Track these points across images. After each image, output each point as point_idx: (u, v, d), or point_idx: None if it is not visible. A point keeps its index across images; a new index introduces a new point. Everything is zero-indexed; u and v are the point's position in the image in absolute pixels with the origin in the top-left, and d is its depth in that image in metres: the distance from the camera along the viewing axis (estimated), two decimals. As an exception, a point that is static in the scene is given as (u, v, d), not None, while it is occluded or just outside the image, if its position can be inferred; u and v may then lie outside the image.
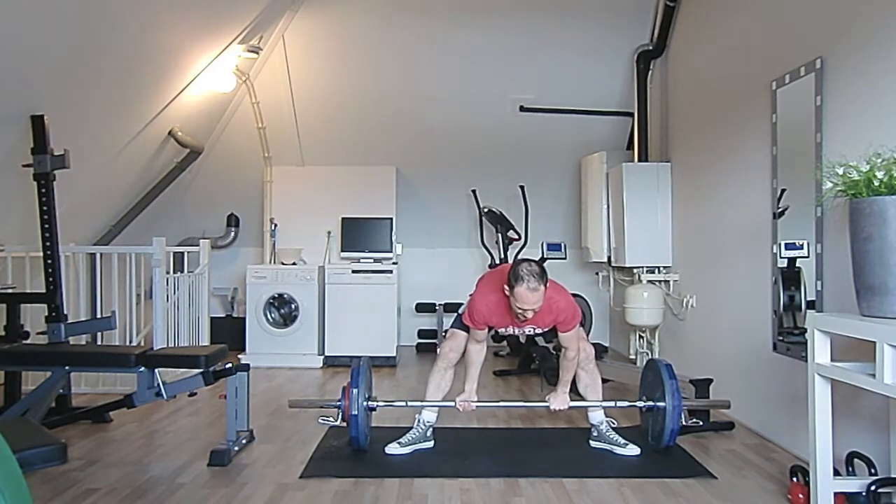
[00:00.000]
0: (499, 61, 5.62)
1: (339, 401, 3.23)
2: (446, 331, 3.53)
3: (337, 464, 3.14)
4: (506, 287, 2.97)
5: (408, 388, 4.93)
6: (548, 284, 2.97)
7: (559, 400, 3.28)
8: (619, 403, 3.46)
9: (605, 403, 3.42)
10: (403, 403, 3.60)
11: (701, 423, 3.53)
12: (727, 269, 4.11)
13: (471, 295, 3.28)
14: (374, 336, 5.80)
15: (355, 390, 3.19)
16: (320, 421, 3.31)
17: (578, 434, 3.55)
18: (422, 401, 3.40)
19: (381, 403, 3.39)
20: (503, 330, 3.29)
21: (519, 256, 5.62)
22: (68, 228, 4.43)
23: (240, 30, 4.91)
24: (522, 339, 3.37)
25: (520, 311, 2.97)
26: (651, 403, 3.31)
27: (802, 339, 2.87)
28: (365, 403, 3.22)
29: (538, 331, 3.26)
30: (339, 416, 3.21)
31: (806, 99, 3.14)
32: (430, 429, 3.39)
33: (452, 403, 3.30)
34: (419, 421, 3.39)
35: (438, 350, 3.48)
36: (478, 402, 3.33)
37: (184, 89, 4.98)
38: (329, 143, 6.28)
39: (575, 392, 3.41)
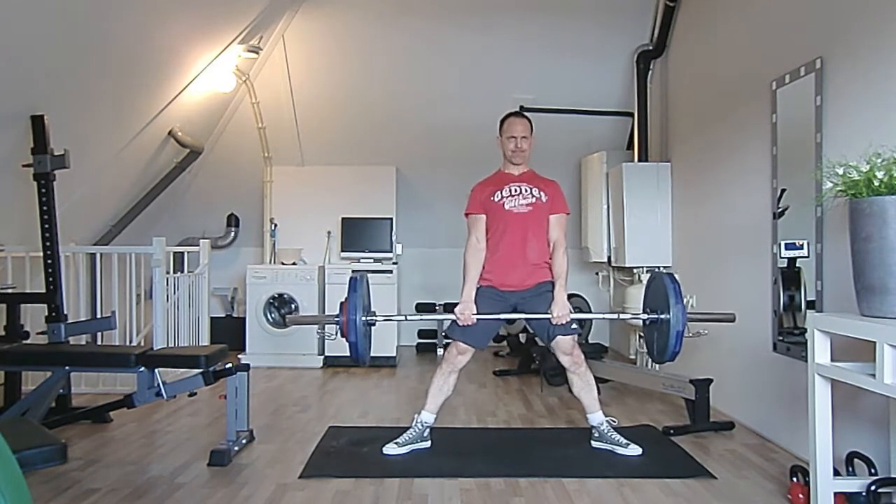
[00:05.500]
0: (499, 61, 5.62)
1: (338, 316, 3.12)
2: (445, 332, 3.53)
3: (337, 464, 3.14)
4: (497, 138, 3.39)
5: (408, 387, 4.94)
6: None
7: (559, 305, 3.18)
8: (623, 315, 3.34)
9: (608, 315, 3.30)
10: (403, 317, 3.66)
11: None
12: (727, 269, 4.11)
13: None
14: (374, 336, 5.71)
15: (353, 303, 3.07)
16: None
17: (578, 434, 3.55)
18: (420, 315, 3.36)
19: (380, 318, 3.27)
20: (499, 194, 3.29)
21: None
22: (68, 228, 4.44)
23: (240, 30, 4.91)
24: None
25: (512, 141, 3.30)
26: (655, 316, 3.19)
27: (802, 339, 2.88)
28: (364, 318, 3.12)
29: (534, 193, 3.30)
30: (338, 332, 3.13)
31: (806, 99, 3.14)
32: (428, 429, 3.38)
33: (452, 317, 3.23)
34: (417, 421, 3.38)
35: (444, 355, 3.43)
36: (477, 315, 3.21)
37: (184, 89, 4.98)
38: (329, 143, 6.28)
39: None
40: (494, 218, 3.31)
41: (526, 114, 3.44)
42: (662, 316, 3.12)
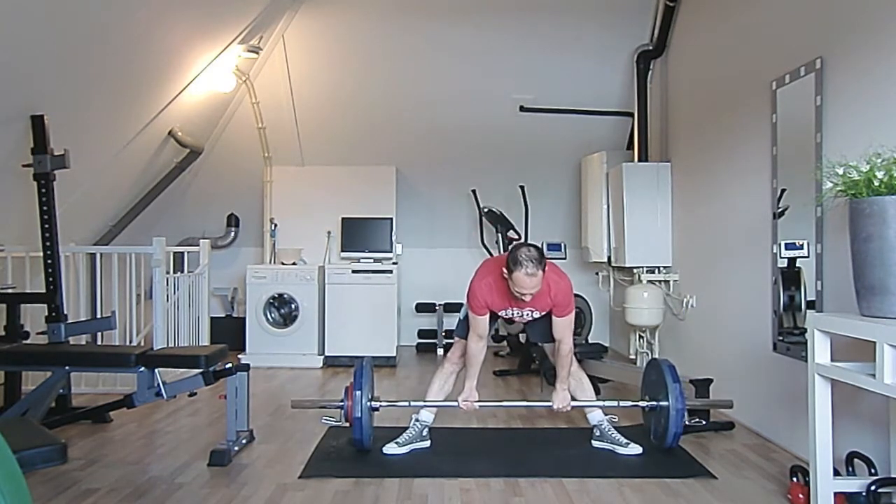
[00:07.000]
0: (499, 61, 5.62)
1: (342, 401, 3.23)
2: (446, 331, 3.56)
3: (337, 464, 3.14)
4: (504, 271, 3.00)
5: (408, 387, 4.93)
6: (546, 267, 3.00)
7: (560, 397, 3.25)
8: (623, 403, 3.44)
9: (607, 403, 3.42)
10: (406, 403, 3.58)
11: (703, 422, 3.53)
12: (727, 269, 4.11)
13: (470, 282, 3.29)
14: (374, 336, 5.79)
15: (358, 392, 3.17)
16: (323, 421, 3.32)
17: (578, 434, 3.55)
18: (424, 401, 3.40)
19: (384, 403, 3.37)
20: (503, 312, 3.26)
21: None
22: (68, 228, 4.44)
23: (240, 30, 4.91)
24: (520, 331, 3.39)
25: (518, 294, 3.00)
26: (654, 403, 3.29)
27: (802, 339, 2.88)
28: (368, 404, 3.21)
29: (535, 314, 3.25)
30: (343, 417, 3.21)
31: (806, 99, 3.14)
32: (427, 429, 3.39)
33: (455, 403, 3.30)
34: (416, 420, 3.39)
35: (447, 354, 3.49)
36: (480, 401, 3.32)
37: (184, 89, 4.98)
38: (329, 143, 6.28)
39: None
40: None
41: (542, 265, 2.94)
42: (662, 404, 3.21)
